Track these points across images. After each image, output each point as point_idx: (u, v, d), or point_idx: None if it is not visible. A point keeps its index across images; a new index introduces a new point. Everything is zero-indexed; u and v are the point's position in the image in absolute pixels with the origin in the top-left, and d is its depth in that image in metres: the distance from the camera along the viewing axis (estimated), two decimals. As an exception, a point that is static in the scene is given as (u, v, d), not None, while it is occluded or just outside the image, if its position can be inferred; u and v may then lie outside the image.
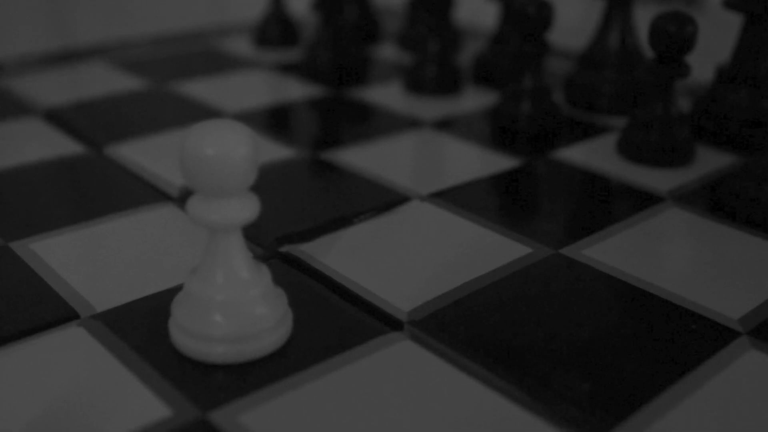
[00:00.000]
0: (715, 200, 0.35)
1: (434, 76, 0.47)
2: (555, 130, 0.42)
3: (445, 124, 0.43)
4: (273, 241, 0.31)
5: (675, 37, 0.36)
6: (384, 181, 0.36)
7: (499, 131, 0.42)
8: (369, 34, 0.57)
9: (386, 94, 0.47)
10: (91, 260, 0.30)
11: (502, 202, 0.35)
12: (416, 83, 0.47)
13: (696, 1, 0.67)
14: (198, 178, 0.22)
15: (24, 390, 0.23)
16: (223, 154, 0.22)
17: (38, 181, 0.36)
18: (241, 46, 0.57)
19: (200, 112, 0.44)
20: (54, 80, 0.49)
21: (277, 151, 0.39)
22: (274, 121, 0.44)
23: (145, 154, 0.39)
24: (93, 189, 0.35)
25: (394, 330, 0.26)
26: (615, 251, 0.30)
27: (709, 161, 0.39)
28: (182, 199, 0.34)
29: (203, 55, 0.55)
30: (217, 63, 0.53)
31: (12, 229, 0.32)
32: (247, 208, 0.23)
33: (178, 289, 0.28)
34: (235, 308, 0.24)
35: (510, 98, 0.42)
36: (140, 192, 0.35)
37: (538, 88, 0.42)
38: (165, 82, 0.49)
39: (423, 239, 0.31)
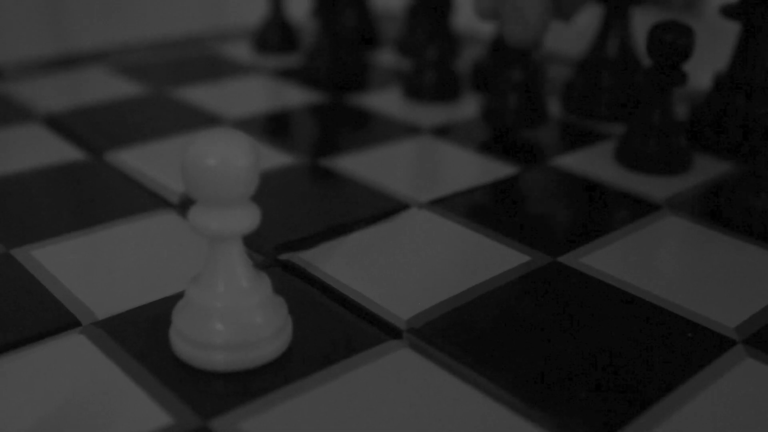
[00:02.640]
0: (713, 208, 0.35)
1: (433, 82, 0.47)
2: (536, 125, 0.42)
3: (443, 131, 0.43)
4: (272, 249, 0.31)
5: (672, 46, 0.36)
6: (383, 188, 0.36)
7: (496, 137, 0.42)
8: (368, 40, 0.58)
9: (385, 100, 0.47)
10: (92, 267, 0.30)
11: (500, 209, 0.35)
12: (415, 89, 0.47)
13: (694, 8, 0.67)
14: (199, 187, 0.22)
15: (25, 397, 0.23)
16: (224, 165, 0.22)
17: (38, 187, 0.36)
18: (241, 51, 0.57)
19: (200, 118, 0.44)
20: (53, 86, 0.50)
21: (275, 158, 0.39)
22: (273, 127, 0.44)
23: (145, 160, 0.39)
24: (93, 195, 0.36)
25: (393, 338, 0.26)
26: (612, 259, 0.31)
27: (707, 169, 0.39)
28: (183, 205, 0.34)
29: (203, 61, 0.55)
30: (216, 68, 0.53)
31: (13, 236, 0.32)
32: (248, 218, 0.23)
33: (178, 296, 0.28)
34: (235, 316, 0.24)
35: (497, 93, 0.42)
36: (141, 198, 0.35)
37: (527, 81, 0.41)
38: (165, 88, 0.49)
39: (422, 247, 0.31)
